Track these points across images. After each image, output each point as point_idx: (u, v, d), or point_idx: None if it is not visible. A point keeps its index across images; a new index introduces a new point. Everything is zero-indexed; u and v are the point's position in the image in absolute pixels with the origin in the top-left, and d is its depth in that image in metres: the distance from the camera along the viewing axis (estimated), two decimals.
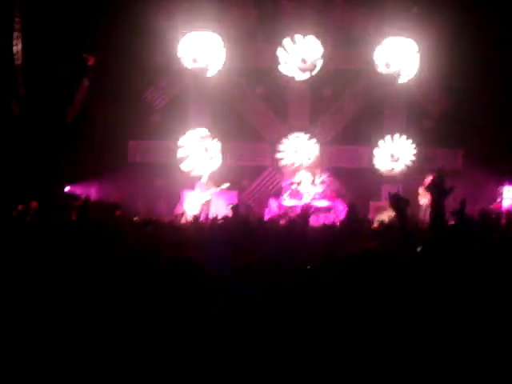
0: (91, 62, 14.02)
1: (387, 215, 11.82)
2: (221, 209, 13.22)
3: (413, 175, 14.71)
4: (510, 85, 13.95)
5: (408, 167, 15.04)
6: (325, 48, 14.80)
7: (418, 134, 14.96)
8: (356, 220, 8.96)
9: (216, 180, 13.89)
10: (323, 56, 14.81)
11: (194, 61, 14.76)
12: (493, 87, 14.03)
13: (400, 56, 14.95)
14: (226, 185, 13.57)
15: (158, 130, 14.87)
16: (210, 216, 12.25)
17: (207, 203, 13.43)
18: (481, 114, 14.11)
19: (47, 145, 13.18)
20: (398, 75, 14.98)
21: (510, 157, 13.78)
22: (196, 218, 9.97)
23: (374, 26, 14.99)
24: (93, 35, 13.84)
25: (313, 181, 13.98)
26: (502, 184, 14.10)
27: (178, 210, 13.27)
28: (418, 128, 15.04)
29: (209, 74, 14.86)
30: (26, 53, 13.02)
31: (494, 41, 13.81)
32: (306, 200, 13.60)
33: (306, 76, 14.93)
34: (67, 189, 13.50)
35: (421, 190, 13.64)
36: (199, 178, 14.09)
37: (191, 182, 14.24)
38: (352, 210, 9.35)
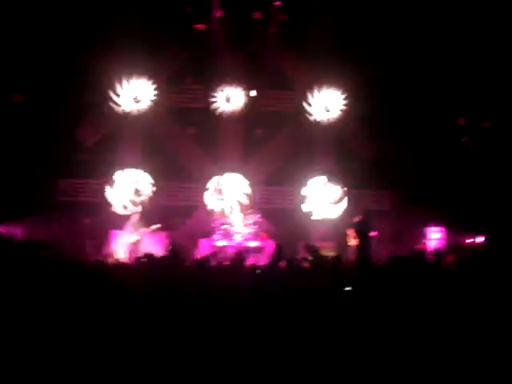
0: (19, 99, 13.73)
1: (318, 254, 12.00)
2: (151, 249, 13.03)
3: (341, 216, 15.04)
4: (432, 133, 14.56)
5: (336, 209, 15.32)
6: (257, 89, 15.09)
7: (347, 177, 15.32)
8: (280, 260, 9.06)
9: (146, 220, 13.70)
10: (253, 98, 15.09)
11: (126, 101, 14.75)
12: (417, 135, 14.59)
13: (331, 102, 15.45)
14: (156, 226, 13.41)
15: (87, 168, 14.61)
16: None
17: (136, 243, 13.19)
18: (407, 158, 14.61)
19: None
20: (328, 118, 15.44)
21: (433, 200, 14.26)
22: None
23: (304, 71, 15.45)
24: (23, 73, 13.58)
25: (244, 221, 14.01)
26: (426, 225, 14.55)
27: (107, 250, 13.02)
28: (347, 170, 15.39)
29: (140, 114, 14.85)
30: None
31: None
32: (237, 240, 13.59)
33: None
34: None
35: (349, 232, 13.90)
36: (129, 217, 13.87)
37: (120, 222, 13.98)
38: (278, 250, 9.44)
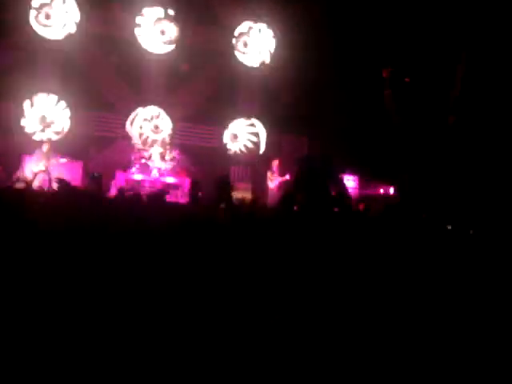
0: None
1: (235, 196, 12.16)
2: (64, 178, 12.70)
3: (260, 159, 15.19)
4: (356, 82, 14.80)
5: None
6: (184, 24, 14.73)
7: (267, 120, 15.40)
8: (197, 196, 9.10)
9: (61, 148, 13.29)
10: (183, 32, 14.74)
11: (46, 23, 14.01)
12: (338, 80, 14.78)
13: (257, 40, 15.33)
14: (64, 160, 12.99)
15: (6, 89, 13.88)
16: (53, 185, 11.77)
17: (46, 171, 12.73)
18: (327, 106, 14.80)
19: None
20: (253, 58, 15.35)
21: (349, 148, 14.61)
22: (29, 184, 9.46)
23: (234, 7, 15.20)
24: None
25: (163, 156, 13.87)
26: (342, 173, 14.93)
27: (17, 176, 12.58)
28: (267, 113, 15.45)
29: (60, 37, 14.17)
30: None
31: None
32: (154, 175, 13.48)
33: (167, 49, 14.78)
34: None
35: (269, 174, 14.12)
36: (40, 144, 13.39)
37: (33, 147, 13.49)
38: (195, 187, 9.47)
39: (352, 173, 14.84)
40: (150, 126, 14.75)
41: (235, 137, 15.36)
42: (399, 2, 14.06)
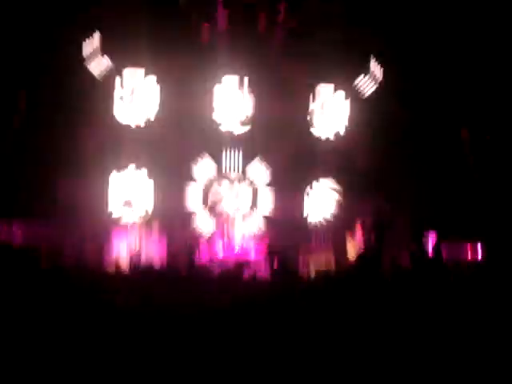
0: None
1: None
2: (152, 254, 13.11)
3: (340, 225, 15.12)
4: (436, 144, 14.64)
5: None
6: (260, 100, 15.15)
7: (347, 184, 15.37)
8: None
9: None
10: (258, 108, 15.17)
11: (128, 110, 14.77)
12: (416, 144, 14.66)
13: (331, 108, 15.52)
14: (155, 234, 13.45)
15: (87, 170, 14.58)
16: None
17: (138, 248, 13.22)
18: (406, 168, 14.65)
19: None
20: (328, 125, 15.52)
21: (433, 209, 14.35)
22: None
23: (308, 77, 15.46)
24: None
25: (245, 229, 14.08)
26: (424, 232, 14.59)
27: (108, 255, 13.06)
28: (344, 179, 15.44)
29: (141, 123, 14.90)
30: None
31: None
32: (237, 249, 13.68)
33: (244, 129, 15.22)
34: None
35: (349, 236, 14.05)
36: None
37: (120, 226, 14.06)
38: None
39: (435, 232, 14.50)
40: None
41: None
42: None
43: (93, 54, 14.45)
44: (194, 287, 6.74)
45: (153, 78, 14.89)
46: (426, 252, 12.58)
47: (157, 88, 14.91)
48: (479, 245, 14.24)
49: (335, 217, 15.38)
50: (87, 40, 14.39)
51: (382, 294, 4.18)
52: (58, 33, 13.65)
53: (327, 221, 15.35)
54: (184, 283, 7.08)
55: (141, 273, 7.93)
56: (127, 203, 14.60)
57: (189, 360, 3.59)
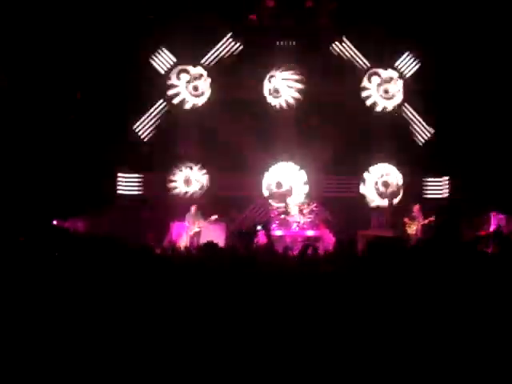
0: (78, 96, 14.13)
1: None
2: (209, 239, 13.22)
3: (399, 204, 14.89)
4: (493, 113, 14.18)
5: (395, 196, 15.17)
6: (310, 79, 15.08)
7: (404, 163, 15.14)
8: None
9: (205, 211, 13.88)
10: (309, 87, 15.11)
11: (179, 93, 15.03)
12: (477, 116, 14.23)
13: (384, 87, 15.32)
14: (215, 217, 13.55)
15: (146, 162, 14.93)
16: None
17: (197, 234, 13.41)
18: (466, 143, 14.24)
19: (37, 178, 13.22)
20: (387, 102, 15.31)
21: (495, 183, 13.91)
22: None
23: (358, 58, 15.35)
24: (80, 69, 13.96)
25: (301, 210, 14.01)
26: (489, 211, 14.19)
27: (167, 242, 13.26)
28: (404, 157, 15.20)
29: (196, 107, 15.10)
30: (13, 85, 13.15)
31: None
32: (294, 229, 13.61)
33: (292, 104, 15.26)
34: (54, 223, 13.39)
35: (407, 220, 13.75)
36: (187, 209, 14.09)
37: (179, 214, 14.24)
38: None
39: (502, 210, 14.05)
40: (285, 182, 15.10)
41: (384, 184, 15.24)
42: None
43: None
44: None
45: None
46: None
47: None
48: None
49: (394, 199, 15.14)
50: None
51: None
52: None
53: (387, 203, 15.12)
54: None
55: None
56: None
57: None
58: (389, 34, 14.78)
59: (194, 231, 13.44)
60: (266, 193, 15.14)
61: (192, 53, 15.14)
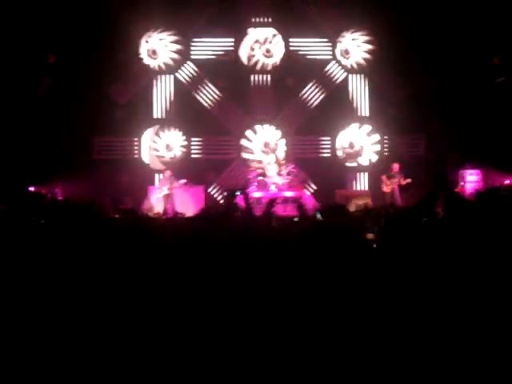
0: (52, 59, 13.84)
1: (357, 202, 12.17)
2: (187, 202, 13.32)
3: (375, 163, 15.05)
4: (468, 72, 14.27)
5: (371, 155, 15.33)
6: (285, 37, 15.04)
7: (379, 122, 15.25)
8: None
9: (180, 174, 13.87)
10: (284, 45, 15.12)
11: (156, 56, 14.85)
12: (451, 73, 14.31)
13: (359, 47, 15.33)
14: (183, 181, 13.53)
15: (121, 126, 14.77)
16: (178, 209, 12.40)
17: (168, 197, 13.40)
18: (441, 99, 14.34)
19: (10, 145, 13.00)
20: (357, 63, 15.33)
21: (470, 141, 14.10)
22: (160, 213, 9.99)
23: (333, 17, 15.27)
24: (53, 33, 13.63)
25: (279, 172, 14.07)
26: (463, 168, 14.42)
27: (145, 206, 13.27)
28: (379, 116, 15.30)
29: (170, 69, 14.94)
30: None
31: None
32: (272, 191, 13.68)
33: (270, 63, 15.18)
34: (31, 189, 13.27)
35: (383, 178, 13.89)
36: (163, 172, 14.09)
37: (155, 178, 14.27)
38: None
39: (475, 166, 14.29)
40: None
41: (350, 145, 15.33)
42: None
43: None
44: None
45: None
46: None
47: None
48: None
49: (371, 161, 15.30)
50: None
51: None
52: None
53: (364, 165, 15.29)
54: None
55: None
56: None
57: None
58: None
59: (164, 194, 13.41)
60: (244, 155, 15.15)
61: (167, 16, 14.85)
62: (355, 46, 15.41)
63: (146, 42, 14.90)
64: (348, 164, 15.39)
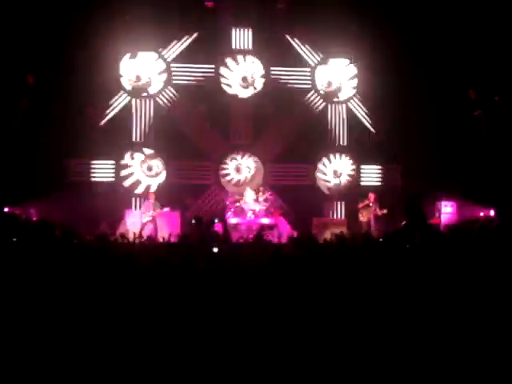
0: (31, 80, 13.77)
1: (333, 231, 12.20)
2: (164, 227, 13.23)
3: (353, 192, 15.12)
4: (445, 105, 14.50)
5: (348, 184, 15.39)
6: (265, 66, 15.14)
7: (357, 152, 15.37)
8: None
9: (160, 199, 13.81)
10: (265, 74, 15.15)
11: (136, 80, 14.82)
12: (428, 107, 14.51)
13: (340, 75, 15.46)
14: (167, 209, 13.53)
15: (98, 148, 14.63)
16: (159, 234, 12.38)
17: (152, 222, 13.38)
18: (419, 130, 14.51)
19: None
20: (338, 93, 15.44)
21: (445, 173, 14.26)
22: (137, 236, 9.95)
23: (315, 45, 15.42)
24: (32, 54, 13.58)
25: (256, 198, 14.07)
26: (439, 200, 14.55)
27: (121, 229, 13.12)
28: (357, 146, 15.43)
29: (150, 92, 14.92)
30: None
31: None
32: (249, 218, 13.67)
33: (249, 93, 15.15)
34: (6, 210, 13.07)
35: (360, 207, 13.98)
36: (141, 196, 14.02)
37: (132, 202, 14.16)
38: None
39: (450, 198, 14.44)
40: (240, 170, 15.11)
41: (335, 173, 15.36)
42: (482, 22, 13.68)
43: None
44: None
45: None
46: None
47: None
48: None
49: (348, 188, 15.36)
50: None
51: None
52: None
53: (340, 192, 15.34)
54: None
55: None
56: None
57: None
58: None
59: (147, 219, 13.39)
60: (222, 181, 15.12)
61: (147, 41, 14.86)
62: (335, 75, 15.54)
63: (125, 65, 14.84)
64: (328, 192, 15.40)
